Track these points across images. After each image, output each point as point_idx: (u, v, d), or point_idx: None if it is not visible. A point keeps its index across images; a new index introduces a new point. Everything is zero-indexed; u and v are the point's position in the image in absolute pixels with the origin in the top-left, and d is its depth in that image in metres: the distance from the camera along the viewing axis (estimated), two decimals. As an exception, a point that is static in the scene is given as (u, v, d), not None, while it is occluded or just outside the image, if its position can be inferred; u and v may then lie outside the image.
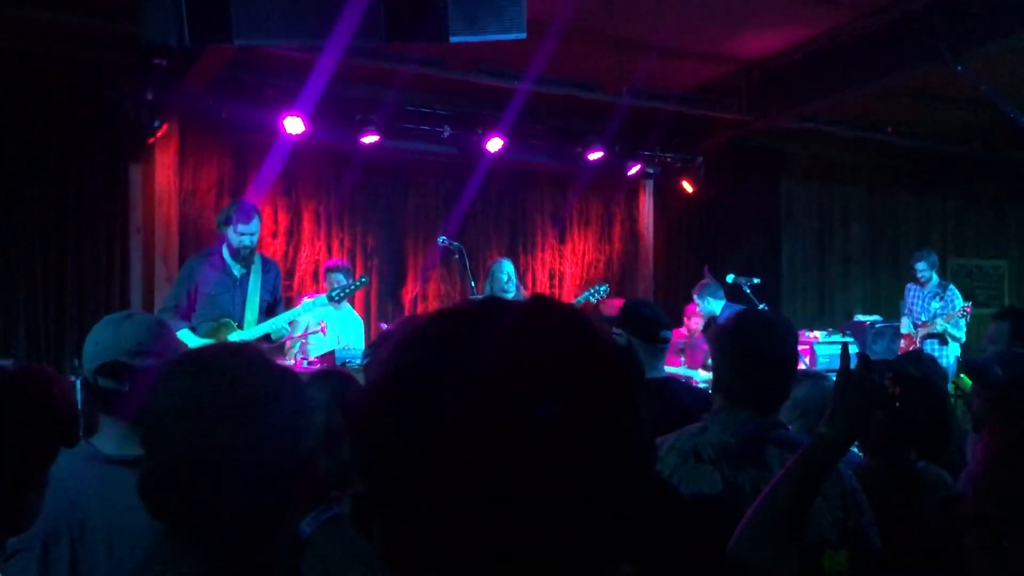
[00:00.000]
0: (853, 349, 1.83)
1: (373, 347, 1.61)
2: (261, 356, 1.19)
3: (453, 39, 3.89)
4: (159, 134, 6.58)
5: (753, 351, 2.12)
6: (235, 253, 5.23)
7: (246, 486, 1.05)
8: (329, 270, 6.51)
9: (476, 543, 0.68)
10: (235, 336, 5.16)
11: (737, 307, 7.01)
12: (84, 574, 1.79)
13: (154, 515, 1.09)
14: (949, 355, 7.45)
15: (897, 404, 1.94)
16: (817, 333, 7.42)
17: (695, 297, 7.21)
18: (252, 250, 5.29)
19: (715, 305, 7.09)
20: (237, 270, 5.27)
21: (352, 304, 6.61)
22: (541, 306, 0.75)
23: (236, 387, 1.08)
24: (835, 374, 1.81)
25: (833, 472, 1.99)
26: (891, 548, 2.02)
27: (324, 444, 2.15)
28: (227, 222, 5.22)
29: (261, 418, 1.06)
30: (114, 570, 1.79)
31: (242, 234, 5.18)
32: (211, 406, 1.06)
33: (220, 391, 1.07)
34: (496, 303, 0.76)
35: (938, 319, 7.64)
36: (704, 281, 7.25)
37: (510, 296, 6.39)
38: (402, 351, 0.73)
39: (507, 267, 6.71)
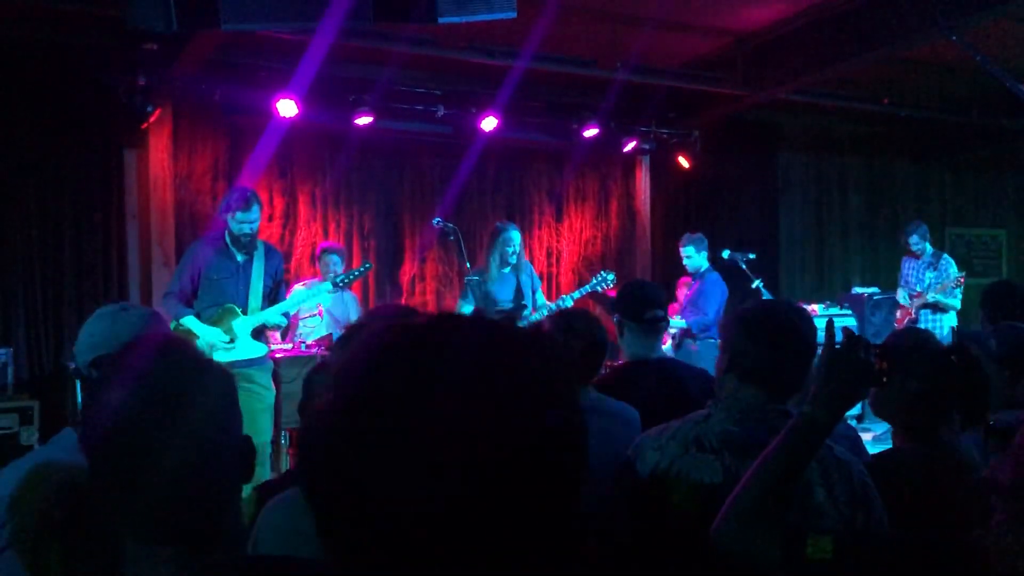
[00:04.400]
0: (840, 324, 1.78)
1: (339, 344, 1.64)
2: (188, 350, 1.26)
3: (441, 20, 3.87)
4: (152, 119, 6.55)
5: (786, 335, 2.04)
6: (236, 240, 5.22)
7: (192, 478, 1.13)
8: (324, 251, 6.52)
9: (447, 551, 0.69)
10: (238, 322, 5.16)
11: (715, 276, 6.87)
12: (76, 565, 1.80)
13: (112, 523, 1.16)
14: (944, 325, 7.44)
15: (884, 380, 1.88)
16: (815, 306, 7.41)
17: (681, 248, 6.96)
18: (253, 237, 5.27)
19: (702, 260, 6.94)
20: (240, 256, 5.27)
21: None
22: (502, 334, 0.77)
23: (167, 389, 1.14)
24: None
25: (843, 466, 1.90)
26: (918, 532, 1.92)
27: None
28: (227, 209, 5.22)
29: (197, 412, 1.13)
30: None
31: (242, 222, 5.16)
32: (149, 413, 1.11)
33: (154, 398, 1.13)
34: (454, 322, 0.77)
35: (931, 290, 7.63)
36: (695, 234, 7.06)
37: (512, 266, 6.28)
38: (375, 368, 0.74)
39: (515, 238, 6.31)
